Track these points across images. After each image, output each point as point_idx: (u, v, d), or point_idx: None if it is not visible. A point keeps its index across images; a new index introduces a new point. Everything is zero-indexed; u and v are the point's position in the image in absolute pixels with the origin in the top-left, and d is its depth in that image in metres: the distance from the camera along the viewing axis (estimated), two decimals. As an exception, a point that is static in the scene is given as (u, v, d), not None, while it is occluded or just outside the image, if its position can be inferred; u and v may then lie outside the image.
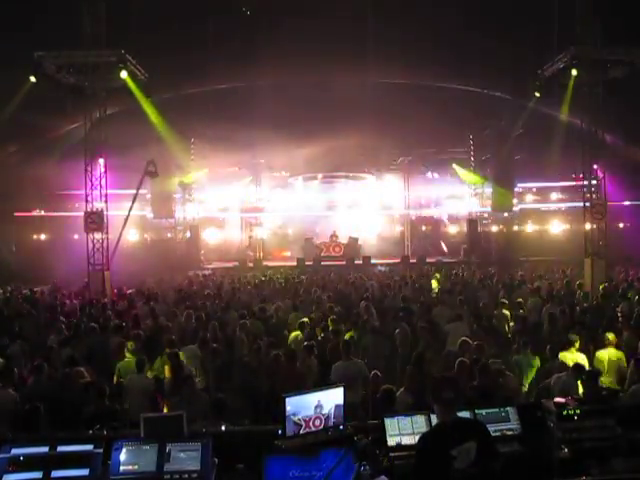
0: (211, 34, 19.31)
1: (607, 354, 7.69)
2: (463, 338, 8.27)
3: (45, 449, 4.34)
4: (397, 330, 9.66)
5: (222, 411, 5.63)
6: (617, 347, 7.83)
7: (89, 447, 4.39)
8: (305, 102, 22.63)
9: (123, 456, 4.33)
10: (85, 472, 4.25)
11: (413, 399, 6.21)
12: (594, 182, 17.95)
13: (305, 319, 10.24)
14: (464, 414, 4.71)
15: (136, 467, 4.30)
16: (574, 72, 17.11)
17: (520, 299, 12.36)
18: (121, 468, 4.29)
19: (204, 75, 21.75)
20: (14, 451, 4.29)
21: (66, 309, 13.23)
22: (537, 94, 19.97)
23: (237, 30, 19.61)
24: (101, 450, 4.36)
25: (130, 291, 16.31)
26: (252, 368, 8.03)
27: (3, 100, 18.96)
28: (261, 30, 19.50)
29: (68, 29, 16.76)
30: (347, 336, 9.14)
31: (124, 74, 16.98)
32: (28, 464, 4.24)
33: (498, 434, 4.74)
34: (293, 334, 9.68)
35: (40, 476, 4.19)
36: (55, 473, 4.22)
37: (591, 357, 7.77)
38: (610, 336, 7.89)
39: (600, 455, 4.49)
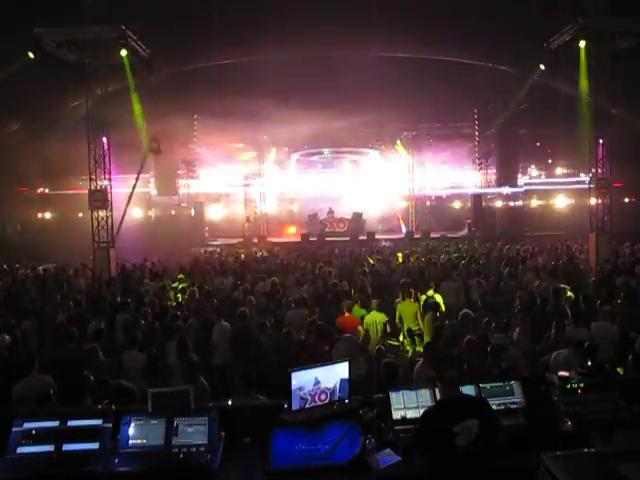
0: (213, 8, 19.00)
1: (601, 327, 7.71)
2: (465, 311, 8.31)
3: (56, 423, 4.42)
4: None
5: (251, 383, 5.59)
6: (613, 320, 7.85)
7: (98, 422, 4.46)
8: (309, 77, 22.40)
9: (132, 430, 4.41)
10: (95, 446, 4.33)
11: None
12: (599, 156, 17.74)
13: (305, 295, 10.28)
14: (468, 388, 4.76)
15: (145, 441, 4.38)
16: (582, 43, 16.78)
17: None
18: (130, 442, 4.37)
19: (207, 50, 21.49)
20: (26, 425, 4.38)
21: (73, 286, 13.32)
22: (542, 67, 19.70)
23: (239, 4, 19.28)
24: (110, 425, 4.44)
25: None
26: (260, 343, 8.09)
27: (3, 77, 18.76)
28: (263, 4, 19.17)
29: (68, 5, 16.48)
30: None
31: (124, 52, 16.81)
32: (40, 437, 4.33)
33: (502, 407, 4.78)
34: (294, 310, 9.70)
35: (52, 449, 4.29)
36: (66, 446, 4.30)
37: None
38: (606, 309, 7.92)
39: (603, 427, 4.52)
